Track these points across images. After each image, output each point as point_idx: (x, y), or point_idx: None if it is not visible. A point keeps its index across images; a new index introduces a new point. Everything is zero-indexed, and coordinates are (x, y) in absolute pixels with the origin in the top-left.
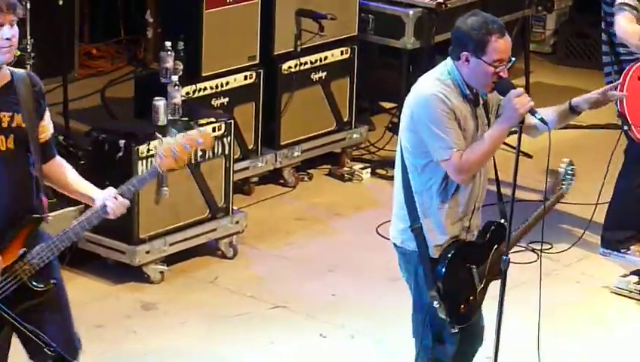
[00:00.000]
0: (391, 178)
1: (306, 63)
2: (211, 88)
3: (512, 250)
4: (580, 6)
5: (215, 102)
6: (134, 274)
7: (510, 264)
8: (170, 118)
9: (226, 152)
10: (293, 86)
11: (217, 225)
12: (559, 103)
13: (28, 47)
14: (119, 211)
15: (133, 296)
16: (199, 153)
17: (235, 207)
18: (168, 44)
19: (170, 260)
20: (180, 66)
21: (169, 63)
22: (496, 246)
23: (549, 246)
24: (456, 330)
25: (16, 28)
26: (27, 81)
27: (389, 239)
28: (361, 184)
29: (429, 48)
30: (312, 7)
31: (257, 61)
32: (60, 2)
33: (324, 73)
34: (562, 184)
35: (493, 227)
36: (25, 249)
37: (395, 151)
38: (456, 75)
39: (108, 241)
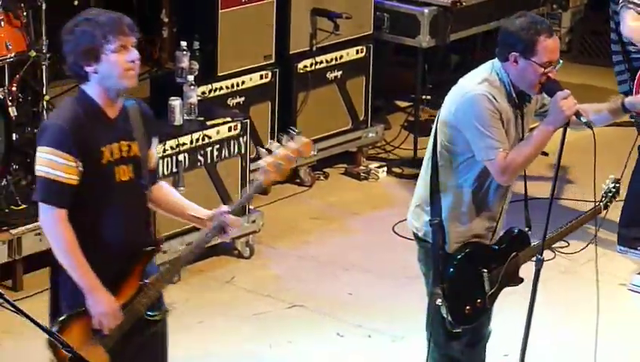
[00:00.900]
0: (407, 176)
1: (321, 62)
2: (227, 88)
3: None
4: (595, 4)
5: (231, 102)
6: None
7: (525, 263)
8: (186, 117)
9: (242, 152)
10: (308, 85)
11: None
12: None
13: (43, 47)
14: (236, 229)
15: None
16: (215, 153)
17: (251, 207)
18: (184, 43)
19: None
20: (196, 66)
21: (184, 63)
22: (514, 253)
23: (566, 244)
24: (459, 330)
25: (137, 50)
26: (138, 109)
27: (405, 238)
28: (377, 183)
29: (444, 47)
30: (328, 6)
31: (273, 60)
32: (76, 2)
33: (340, 72)
34: (602, 199)
35: (513, 233)
36: (142, 282)
37: (410, 149)
38: (504, 77)
39: None
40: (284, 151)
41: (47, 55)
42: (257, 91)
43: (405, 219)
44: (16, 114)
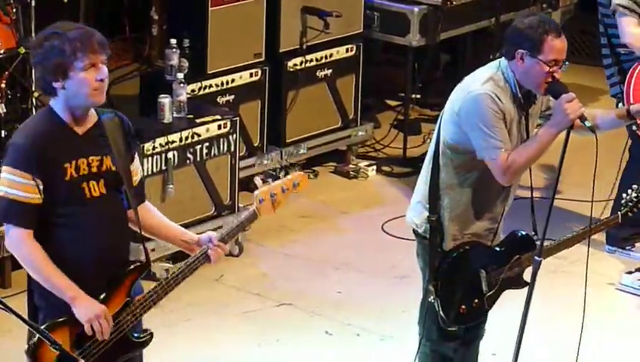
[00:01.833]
0: (396, 175)
1: (311, 61)
2: (217, 86)
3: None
4: (585, 4)
5: (220, 100)
6: None
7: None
8: (175, 115)
9: (232, 150)
10: (298, 83)
11: (223, 222)
12: None
13: None
14: (220, 258)
15: None
16: (205, 150)
17: (240, 205)
18: (174, 41)
19: (176, 258)
20: (186, 64)
21: (174, 61)
22: (518, 256)
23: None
24: (454, 329)
25: (106, 67)
26: (116, 121)
27: (395, 236)
28: (366, 181)
29: (434, 46)
30: (318, 4)
31: (263, 58)
32: (65, 0)
33: (330, 70)
34: (621, 208)
35: (517, 236)
36: (129, 298)
37: (399, 148)
38: (510, 76)
39: None
40: (279, 183)
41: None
42: (247, 89)
43: (395, 218)
44: (5, 111)
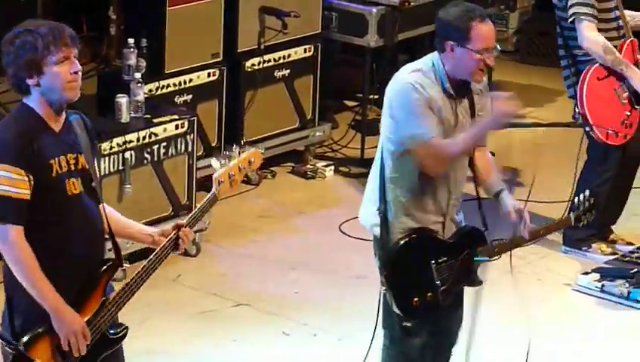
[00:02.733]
0: (354, 175)
1: (269, 61)
2: (174, 85)
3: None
4: (542, 5)
5: (178, 100)
6: None
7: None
8: (132, 115)
9: (189, 150)
10: (256, 83)
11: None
12: (522, 100)
13: None
14: (188, 242)
15: None
16: (162, 150)
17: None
18: (131, 41)
19: (133, 258)
20: (143, 63)
21: (132, 60)
22: (468, 250)
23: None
24: (409, 324)
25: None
26: (81, 121)
27: (352, 237)
28: (324, 182)
29: (392, 46)
30: (276, 4)
31: (221, 58)
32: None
33: (288, 71)
34: (571, 212)
35: (465, 230)
36: (104, 298)
37: (357, 148)
38: (440, 69)
39: None
40: (235, 162)
41: None
42: (205, 89)
43: (352, 218)
44: None
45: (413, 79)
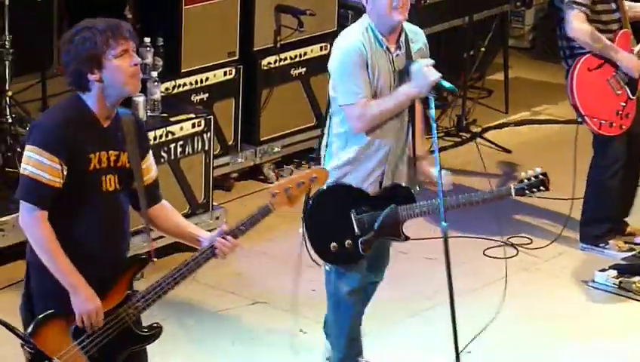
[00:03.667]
0: None
1: (285, 59)
2: (191, 84)
3: (491, 246)
4: None
5: (194, 98)
6: None
7: (490, 259)
8: (149, 114)
9: (206, 148)
10: (272, 82)
11: (197, 221)
12: (538, 97)
13: (7, 43)
14: (229, 252)
15: None
16: (179, 149)
17: (214, 203)
18: (147, 40)
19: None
20: (160, 62)
21: (148, 59)
22: (393, 205)
23: (529, 241)
24: (327, 268)
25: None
26: (132, 119)
27: None
28: None
29: None
30: (292, 2)
31: (237, 57)
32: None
33: (304, 69)
34: (517, 184)
35: (396, 187)
36: (129, 291)
37: None
38: (371, 27)
39: None
40: (294, 176)
41: (11, 50)
42: (221, 88)
43: None
44: None
45: (353, 38)
